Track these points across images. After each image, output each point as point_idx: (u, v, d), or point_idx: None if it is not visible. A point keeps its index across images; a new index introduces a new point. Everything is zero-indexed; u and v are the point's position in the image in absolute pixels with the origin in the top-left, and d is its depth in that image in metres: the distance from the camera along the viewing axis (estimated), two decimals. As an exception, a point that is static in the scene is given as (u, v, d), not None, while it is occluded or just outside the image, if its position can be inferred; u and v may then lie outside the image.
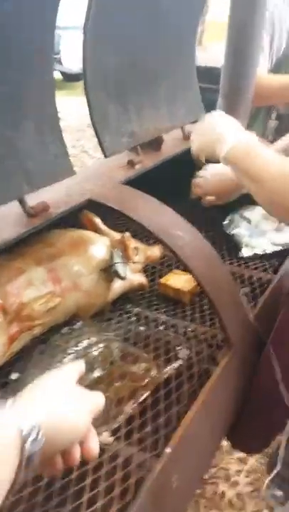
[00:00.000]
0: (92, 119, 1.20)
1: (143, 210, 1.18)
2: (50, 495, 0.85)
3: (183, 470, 0.93)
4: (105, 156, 1.24)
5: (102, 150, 1.23)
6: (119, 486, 0.86)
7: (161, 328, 1.34)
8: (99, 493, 0.86)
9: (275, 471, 1.33)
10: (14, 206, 1.03)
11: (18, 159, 0.98)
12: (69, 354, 1.15)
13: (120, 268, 1.26)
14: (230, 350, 1.14)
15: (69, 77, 9.33)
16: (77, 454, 0.58)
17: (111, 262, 1.25)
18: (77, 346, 1.18)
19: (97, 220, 1.35)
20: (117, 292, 1.35)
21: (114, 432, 0.99)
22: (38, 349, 1.17)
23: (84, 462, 0.90)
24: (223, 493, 1.89)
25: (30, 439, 0.49)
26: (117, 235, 1.38)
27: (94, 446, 0.59)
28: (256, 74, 1.78)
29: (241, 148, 0.90)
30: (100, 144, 1.22)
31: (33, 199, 1.06)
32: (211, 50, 3.83)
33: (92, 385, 1.07)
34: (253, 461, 2.01)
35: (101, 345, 1.18)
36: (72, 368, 0.63)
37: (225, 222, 1.86)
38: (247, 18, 1.65)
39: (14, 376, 1.11)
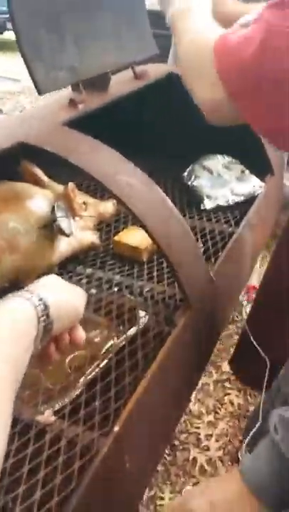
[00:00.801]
0: (20, 48, 1.01)
1: (86, 154, 1.02)
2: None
3: (137, 448, 0.81)
4: (39, 93, 1.05)
5: (35, 85, 1.05)
6: (60, 474, 0.73)
7: (115, 289, 1.20)
8: (37, 483, 0.73)
9: (252, 431, 1.25)
10: None
11: None
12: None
13: (64, 223, 1.10)
14: (189, 309, 1.01)
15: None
16: (67, 340, 0.66)
17: (53, 217, 1.09)
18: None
19: (37, 171, 1.18)
20: (64, 253, 1.19)
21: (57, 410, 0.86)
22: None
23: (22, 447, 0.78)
24: (194, 459, 1.82)
25: (43, 317, 0.57)
26: (61, 188, 1.22)
27: (81, 333, 0.67)
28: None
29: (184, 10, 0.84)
30: (32, 78, 1.04)
31: None
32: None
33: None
34: (223, 424, 1.94)
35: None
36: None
37: (185, 174, 1.71)
38: None
39: None
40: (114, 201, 1.39)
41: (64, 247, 1.19)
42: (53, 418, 0.83)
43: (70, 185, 1.15)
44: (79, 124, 1.14)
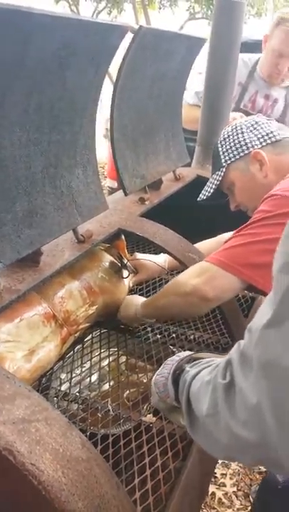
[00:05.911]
0: (116, 165, 1.48)
1: (160, 236, 1.46)
2: (119, 459, 1.06)
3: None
4: (125, 194, 1.51)
5: (123, 189, 1.50)
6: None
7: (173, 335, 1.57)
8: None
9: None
10: (67, 234, 1.27)
11: (72, 196, 1.23)
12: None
13: (128, 264, 1.50)
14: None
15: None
16: None
17: (122, 261, 1.48)
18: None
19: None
20: (129, 286, 1.59)
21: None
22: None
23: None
24: (213, 494, 2.11)
25: None
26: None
27: None
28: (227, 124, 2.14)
29: None
30: (122, 183, 1.50)
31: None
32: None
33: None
34: (235, 465, 2.25)
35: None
36: None
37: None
38: (220, 82, 2.04)
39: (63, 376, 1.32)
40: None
41: (128, 282, 1.57)
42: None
43: (122, 238, 1.54)
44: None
